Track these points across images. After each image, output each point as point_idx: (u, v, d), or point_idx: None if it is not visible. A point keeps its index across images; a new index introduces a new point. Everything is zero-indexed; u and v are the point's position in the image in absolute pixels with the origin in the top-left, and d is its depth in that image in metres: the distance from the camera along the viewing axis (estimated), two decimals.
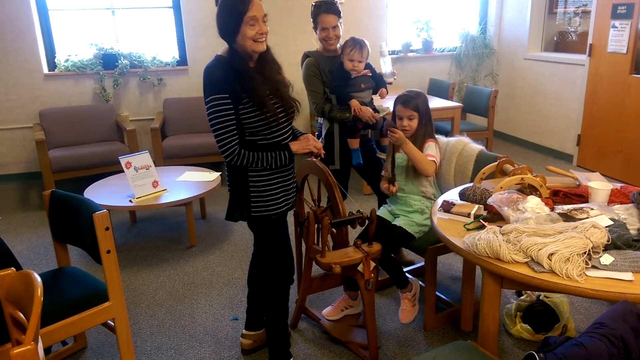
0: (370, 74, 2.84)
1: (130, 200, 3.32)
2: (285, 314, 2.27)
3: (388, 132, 2.47)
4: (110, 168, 4.34)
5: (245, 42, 1.94)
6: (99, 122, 4.82)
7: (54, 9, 4.91)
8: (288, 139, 2.13)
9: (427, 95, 3.08)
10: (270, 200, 2.10)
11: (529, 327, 2.47)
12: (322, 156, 2.22)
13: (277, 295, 2.23)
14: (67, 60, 4.97)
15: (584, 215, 1.89)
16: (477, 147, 2.69)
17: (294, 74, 5.44)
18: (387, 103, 4.29)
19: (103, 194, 3.47)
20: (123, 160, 3.34)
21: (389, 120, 2.68)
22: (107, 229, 1.99)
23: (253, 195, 2.08)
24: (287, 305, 2.28)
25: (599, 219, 1.84)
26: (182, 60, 5.28)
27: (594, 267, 1.65)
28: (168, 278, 3.18)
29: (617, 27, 4.54)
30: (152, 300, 2.94)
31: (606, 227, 1.78)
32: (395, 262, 2.60)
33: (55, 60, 4.99)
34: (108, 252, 2.02)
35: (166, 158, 4.62)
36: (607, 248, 1.72)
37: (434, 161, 2.47)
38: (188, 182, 3.65)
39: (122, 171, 3.42)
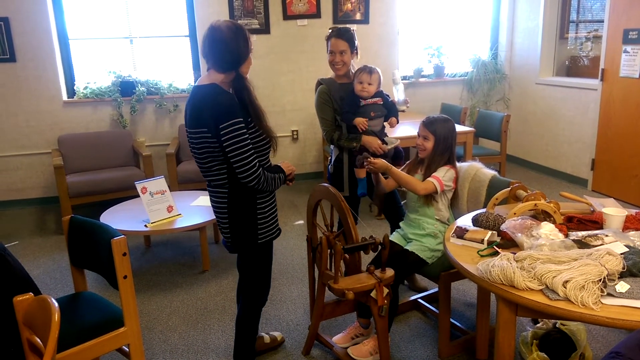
0: (382, 102, 2.87)
1: (146, 225, 3.36)
2: (254, 332, 2.37)
3: (364, 163, 2.51)
4: (126, 193, 4.40)
5: (248, 67, 2.12)
6: (116, 148, 4.91)
7: (74, 38, 5.07)
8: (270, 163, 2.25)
9: None
10: (274, 223, 2.23)
11: (545, 355, 2.42)
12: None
13: (251, 315, 2.33)
14: (85, 88, 5.10)
15: (599, 242, 1.88)
16: (489, 172, 2.70)
17: (307, 99, 5.58)
18: (400, 128, 4.31)
19: (119, 218, 3.52)
20: (139, 186, 3.39)
21: (365, 154, 2.67)
22: (124, 254, 2.03)
23: (261, 222, 2.15)
24: (257, 324, 2.37)
25: (613, 246, 1.83)
26: None
27: (609, 294, 1.63)
28: (181, 303, 3.20)
29: (628, 52, 4.55)
30: (166, 325, 2.95)
31: (621, 254, 1.77)
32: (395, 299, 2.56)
33: (75, 88, 5.12)
34: (125, 277, 2.04)
35: (181, 183, 4.68)
36: (622, 275, 1.71)
37: (433, 182, 2.47)
38: (202, 207, 3.69)
39: (137, 196, 3.47)
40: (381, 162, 2.48)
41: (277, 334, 2.71)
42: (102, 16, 5.09)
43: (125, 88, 5.08)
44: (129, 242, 4.07)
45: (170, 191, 3.57)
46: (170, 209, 3.48)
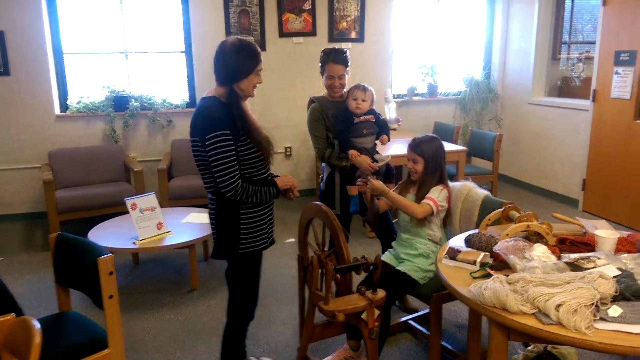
0: (374, 120, 2.88)
1: (134, 242, 3.31)
2: (240, 348, 2.33)
3: (357, 183, 2.52)
4: (115, 209, 4.35)
5: (249, 87, 2.15)
6: (107, 163, 4.87)
7: (69, 53, 5.06)
8: (269, 176, 2.27)
9: None
10: (259, 235, 2.21)
11: None
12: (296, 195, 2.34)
13: (236, 329, 2.30)
14: (79, 102, 5.07)
15: (591, 265, 1.86)
16: (482, 192, 2.69)
17: (300, 116, 5.59)
18: (392, 147, 4.30)
19: (107, 235, 3.47)
20: (129, 202, 3.35)
21: (361, 172, 2.70)
22: (111, 273, 1.99)
23: (243, 232, 2.17)
24: (243, 340, 2.34)
25: (606, 269, 1.81)
26: (192, 103, 5.38)
27: (602, 319, 1.61)
28: (168, 322, 3.14)
29: (620, 74, 4.60)
30: (151, 346, 2.89)
31: (614, 277, 1.75)
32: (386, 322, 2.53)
33: (68, 102, 5.09)
34: (110, 297, 2.00)
35: (172, 199, 4.64)
36: (615, 299, 1.69)
37: (429, 204, 2.46)
38: (192, 224, 3.65)
39: (127, 212, 3.43)
40: (379, 184, 2.46)
41: (267, 359, 2.65)
42: (97, 31, 5.09)
43: (119, 103, 5.06)
44: (117, 259, 4.01)
45: (161, 207, 3.54)
46: (160, 225, 3.44)
